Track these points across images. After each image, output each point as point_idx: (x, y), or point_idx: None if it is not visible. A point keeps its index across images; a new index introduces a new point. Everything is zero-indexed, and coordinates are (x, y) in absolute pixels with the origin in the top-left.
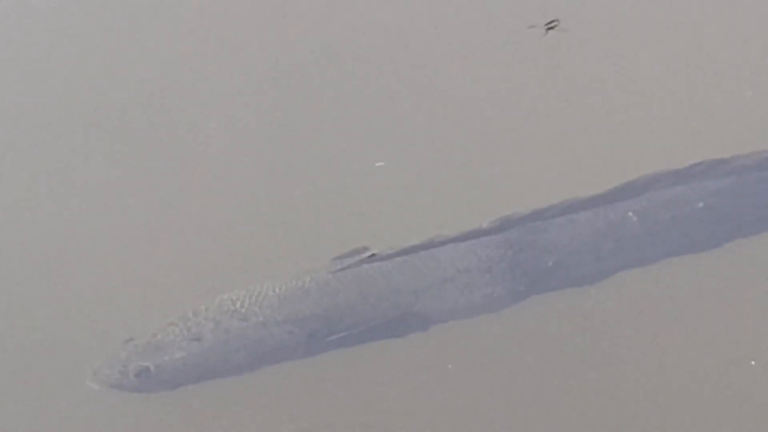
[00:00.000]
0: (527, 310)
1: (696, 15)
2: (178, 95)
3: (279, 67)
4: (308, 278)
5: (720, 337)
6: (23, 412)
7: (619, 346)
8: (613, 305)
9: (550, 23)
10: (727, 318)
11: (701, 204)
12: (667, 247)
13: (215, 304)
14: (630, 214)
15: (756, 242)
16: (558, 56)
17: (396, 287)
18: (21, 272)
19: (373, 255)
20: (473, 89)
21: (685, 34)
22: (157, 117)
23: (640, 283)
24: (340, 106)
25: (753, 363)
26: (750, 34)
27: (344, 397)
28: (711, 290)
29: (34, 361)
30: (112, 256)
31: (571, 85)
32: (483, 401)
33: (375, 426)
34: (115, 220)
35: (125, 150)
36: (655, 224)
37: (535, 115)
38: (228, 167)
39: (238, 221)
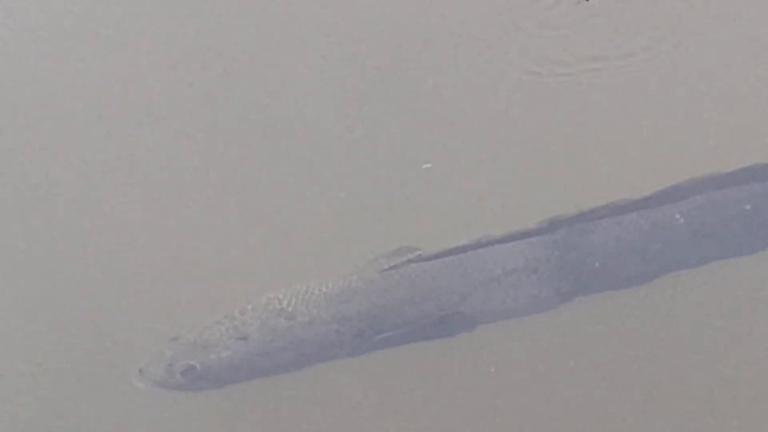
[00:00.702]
0: (573, 311)
1: (741, 14)
2: (245, 90)
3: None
4: (355, 277)
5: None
6: (70, 410)
7: (665, 348)
8: (659, 308)
9: None
10: None
11: (748, 206)
12: (713, 249)
13: (261, 302)
14: (677, 216)
15: None
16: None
17: (442, 287)
18: (69, 269)
19: (419, 255)
20: (521, 89)
21: (730, 34)
22: (220, 110)
23: (687, 285)
24: (391, 109)
25: None
26: None
27: (385, 400)
28: (758, 294)
29: (80, 358)
30: (159, 255)
31: (618, 87)
32: (524, 405)
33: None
34: (163, 218)
35: (184, 149)
36: (702, 226)
37: (582, 115)
38: (273, 167)
39: (286, 221)
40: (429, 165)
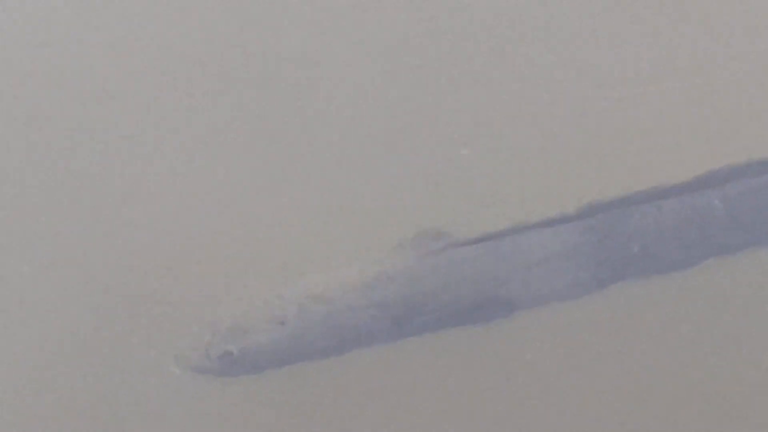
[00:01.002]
0: (611, 297)
1: None
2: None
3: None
4: (392, 263)
5: None
6: (105, 396)
7: (704, 335)
8: (699, 294)
9: None
10: None
11: None
12: (751, 235)
13: (299, 288)
14: (716, 201)
15: None
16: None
17: (480, 273)
18: (108, 252)
19: (456, 240)
20: (557, 73)
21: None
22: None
23: (725, 271)
24: (429, 93)
25: None
26: None
27: (421, 386)
28: None
29: (116, 343)
30: (198, 239)
31: (657, 71)
32: (560, 390)
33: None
34: (203, 201)
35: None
36: (741, 212)
37: (622, 100)
38: (310, 151)
39: (325, 206)
40: (467, 150)
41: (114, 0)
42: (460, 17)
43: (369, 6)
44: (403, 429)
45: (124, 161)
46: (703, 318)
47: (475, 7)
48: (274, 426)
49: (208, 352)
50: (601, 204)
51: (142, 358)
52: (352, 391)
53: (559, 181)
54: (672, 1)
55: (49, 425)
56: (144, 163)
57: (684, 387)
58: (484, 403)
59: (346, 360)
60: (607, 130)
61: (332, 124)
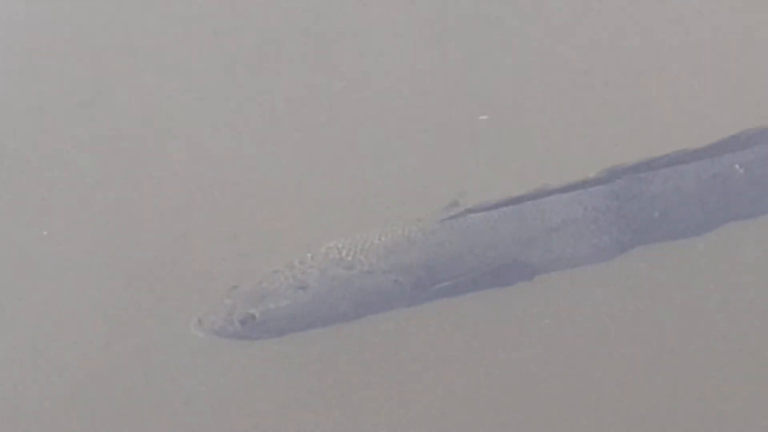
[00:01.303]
0: (632, 261)
1: None
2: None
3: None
4: (414, 227)
5: None
6: (130, 360)
7: (726, 299)
8: (719, 259)
9: None
10: None
11: None
12: None
13: (321, 252)
14: (736, 166)
15: None
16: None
17: (502, 237)
18: (130, 219)
19: (478, 205)
20: (576, 39)
21: None
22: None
23: (744, 235)
24: (448, 60)
25: None
26: None
27: (441, 349)
28: None
29: (139, 308)
30: (221, 205)
31: (677, 35)
32: (578, 357)
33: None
34: (223, 169)
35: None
36: (762, 178)
37: (639, 64)
38: (330, 120)
39: (344, 172)
40: (485, 117)
41: None
42: None
43: None
44: (422, 392)
45: (148, 129)
46: (722, 281)
47: None
48: (295, 389)
49: (230, 316)
50: (622, 169)
51: (166, 323)
52: (373, 354)
53: (581, 146)
54: None
55: (73, 392)
56: (168, 132)
57: (703, 350)
58: (504, 367)
59: (367, 324)
60: (628, 95)
61: (354, 94)
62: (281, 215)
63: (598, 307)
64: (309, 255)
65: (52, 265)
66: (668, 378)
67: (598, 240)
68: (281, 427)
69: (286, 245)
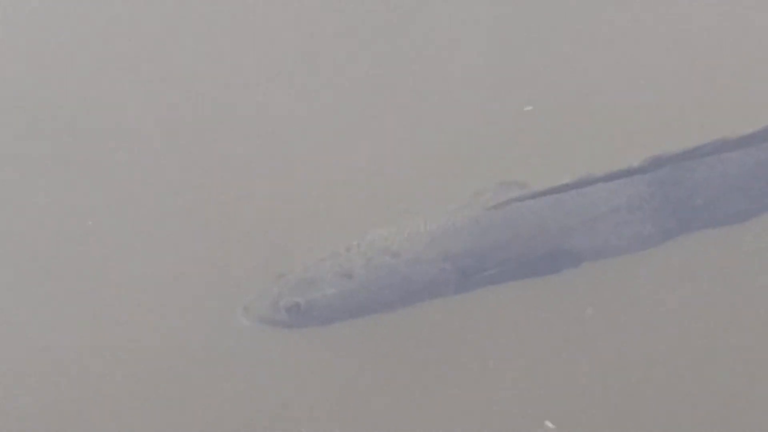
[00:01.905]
0: (676, 249)
1: None
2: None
3: None
4: (459, 215)
5: None
6: (177, 346)
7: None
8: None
9: None
10: None
11: None
12: None
13: (366, 240)
14: None
15: None
16: None
17: (547, 225)
18: (178, 206)
19: (523, 193)
20: (624, 27)
21: None
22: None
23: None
24: (491, 52)
25: None
26: None
27: (487, 337)
28: None
29: (186, 295)
30: (266, 193)
31: (721, 23)
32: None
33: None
34: (270, 159)
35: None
36: None
37: (686, 52)
38: (376, 106)
39: (390, 160)
40: (530, 107)
41: None
42: None
43: None
44: (467, 380)
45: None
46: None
47: None
48: (341, 377)
49: (276, 304)
50: (665, 156)
51: (214, 309)
52: (416, 344)
53: (625, 134)
54: None
55: (120, 376)
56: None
57: (750, 336)
58: (549, 355)
59: (413, 312)
60: (671, 84)
61: (404, 85)
62: (328, 204)
63: (643, 295)
64: (355, 243)
65: (99, 256)
66: (716, 365)
67: (642, 228)
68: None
69: (332, 233)
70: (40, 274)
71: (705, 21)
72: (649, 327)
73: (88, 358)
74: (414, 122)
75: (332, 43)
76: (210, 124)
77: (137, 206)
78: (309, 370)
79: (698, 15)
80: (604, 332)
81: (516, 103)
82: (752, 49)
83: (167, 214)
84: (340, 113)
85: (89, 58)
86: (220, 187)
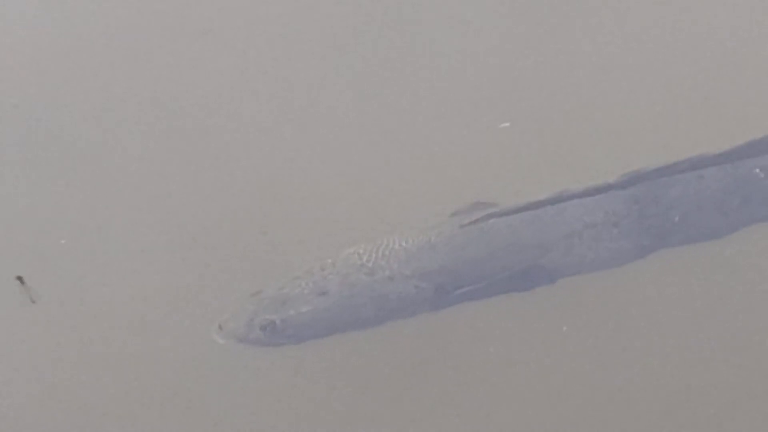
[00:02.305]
0: (652, 265)
1: None
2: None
3: None
4: (435, 232)
5: None
6: (151, 366)
7: (744, 300)
8: (741, 262)
9: None
10: None
11: None
12: None
13: (342, 258)
14: (756, 170)
15: None
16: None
17: (523, 241)
18: (150, 229)
19: (499, 209)
20: (596, 44)
21: None
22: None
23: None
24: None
25: None
26: None
27: (461, 355)
28: None
29: (160, 314)
30: (241, 210)
31: (696, 40)
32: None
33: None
34: (240, 177)
35: None
36: None
37: (661, 69)
38: (354, 124)
39: (366, 178)
40: (507, 124)
41: None
42: None
43: None
44: (441, 397)
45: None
46: (743, 284)
47: None
48: (316, 395)
49: (251, 322)
50: (642, 173)
51: (187, 329)
52: (391, 361)
53: (601, 150)
54: None
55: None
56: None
57: (723, 354)
58: (524, 372)
59: (389, 330)
60: (647, 100)
61: (378, 99)
62: (302, 221)
63: (617, 311)
64: (330, 261)
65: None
66: (691, 381)
67: (619, 244)
68: None
69: (307, 251)
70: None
71: (680, 40)
72: (624, 343)
73: (69, 375)
74: (390, 140)
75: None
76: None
77: (112, 220)
78: (285, 387)
79: (673, 33)
80: (580, 349)
81: (493, 119)
82: (728, 64)
83: (142, 228)
84: (316, 129)
85: (87, 63)
86: (195, 206)
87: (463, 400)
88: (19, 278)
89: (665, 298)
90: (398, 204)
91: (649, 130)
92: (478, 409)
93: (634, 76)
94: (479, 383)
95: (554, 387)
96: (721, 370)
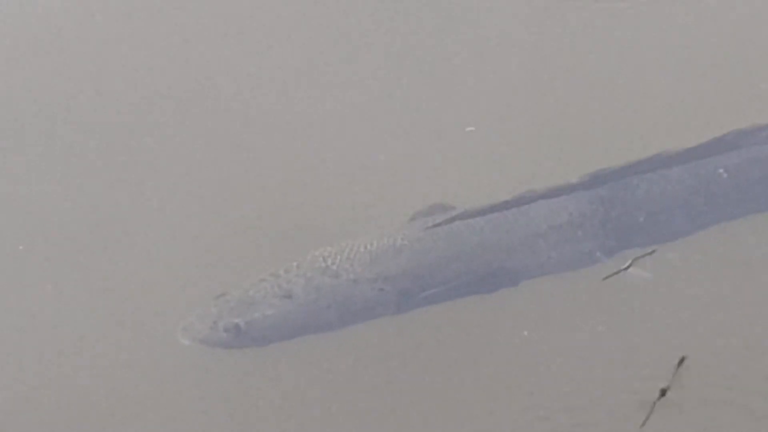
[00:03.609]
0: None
1: None
2: None
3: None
4: (399, 235)
5: None
6: (116, 368)
7: (708, 300)
8: (703, 259)
9: None
10: None
11: None
12: (755, 204)
13: (307, 260)
14: (721, 170)
15: None
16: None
17: (487, 243)
18: (109, 235)
19: (463, 211)
20: (559, 44)
21: None
22: None
23: (730, 238)
24: (429, 72)
25: None
26: None
27: (425, 359)
28: None
29: (125, 315)
30: (204, 215)
31: (660, 38)
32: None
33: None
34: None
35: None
36: (746, 182)
37: (623, 68)
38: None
39: (329, 181)
40: (472, 128)
41: None
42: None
43: None
44: (405, 400)
45: None
46: (709, 282)
47: None
48: (282, 398)
49: (215, 324)
50: (606, 173)
51: (152, 330)
52: (356, 363)
53: (565, 149)
54: None
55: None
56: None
57: (688, 353)
58: (487, 374)
59: (353, 332)
60: (610, 97)
61: (346, 102)
62: (266, 223)
63: (583, 313)
64: (295, 263)
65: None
66: (652, 383)
67: (583, 245)
68: None
69: (272, 254)
70: None
71: (640, 33)
72: (585, 347)
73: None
74: (354, 141)
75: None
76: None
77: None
78: (250, 390)
79: (637, 32)
80: (541, 353)
81: (459, 123)
82: (690, 62)
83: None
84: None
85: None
86: (164, 209)
87: (425, 402)
88: None
89: (629, 300)
90: (362, 208)
91: (613, 128)
92: (441, 411)
93: (599, 73)
94: (439, 386)
95: (515, 390)
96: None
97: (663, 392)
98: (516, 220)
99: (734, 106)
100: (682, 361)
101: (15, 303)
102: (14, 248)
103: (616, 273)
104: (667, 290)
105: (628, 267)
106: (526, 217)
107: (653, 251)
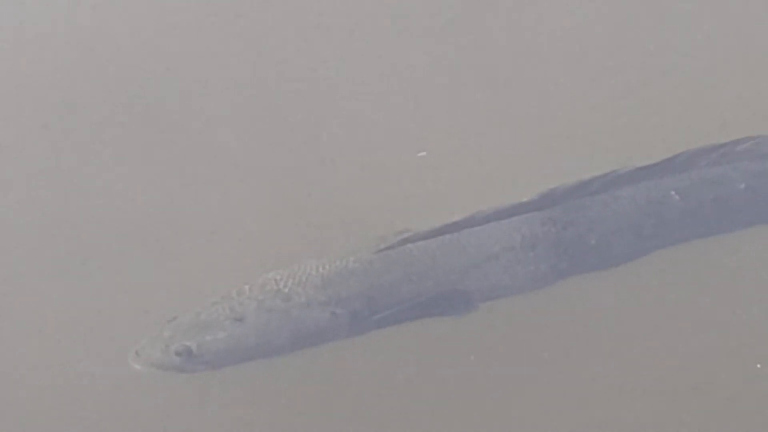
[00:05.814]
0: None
1: None
2: None
3: None
4: (351, 258)
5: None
6: (66, 392)
7: (658, 322)
8: (652, 282)
9: None
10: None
11: (743, 185)
12: (707, 227)
13: (259, 283)
14: (672, 193)
15: None
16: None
17: (439, 265)
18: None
19: (415, 234)
20: (517, 59)
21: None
22: None
23: (679, 261)
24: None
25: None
26: None
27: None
28: (753, 268)
29: (76, 339)
30: (157, 235)
31: (613, 52)
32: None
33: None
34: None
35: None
36: (697, 204)
37: (576, 85)
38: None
39: (284, 204)
40: (424, 153)
41: None
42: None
43: None
44: (358, 423)
45: None
46: (657, 306)
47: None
48: (234, 422)
49: (167, 348)
50: (557, 192)
51: (102, 355)
52: (309, 387)
53: (516, 168)
54: None
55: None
56: None
57: (639, 377)
58: (443, 396)
59: (305, 356)
60: (563, 116)
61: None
62: (218, 247)
63: (536, 335)
64: (247, 286)
65: None
66: (607, 406)
67: (536, 267)
68: None
69: (223, 277)
70: None
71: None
72: (541, 368)
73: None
74: (305, 169)
75: None
76: None
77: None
78: (201, 414)
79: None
80: (493, 375)
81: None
82: (643, 80)
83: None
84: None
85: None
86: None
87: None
88: None
89: (584, 322)
90: (314, 231)
91: (561, 145)
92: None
93: (552, 92)
94: (394, 409)
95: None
96: (634, 391)
97: None
98: (468, 242)
99: (686, 125)
100: None
101: None
102: None
103: None
104: None
105: None
106: (478, 238)
107: None
